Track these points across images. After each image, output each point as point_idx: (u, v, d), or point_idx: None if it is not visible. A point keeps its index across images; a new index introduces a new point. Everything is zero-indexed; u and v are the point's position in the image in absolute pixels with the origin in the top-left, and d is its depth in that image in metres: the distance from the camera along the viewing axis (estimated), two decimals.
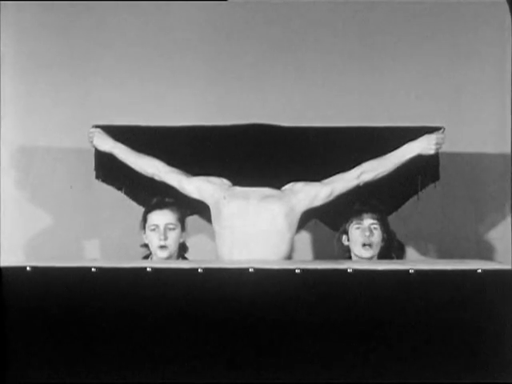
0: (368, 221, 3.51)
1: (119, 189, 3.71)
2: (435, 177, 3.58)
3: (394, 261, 3.48)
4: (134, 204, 3.72)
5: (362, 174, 3.46)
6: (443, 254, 4.21)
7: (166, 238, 3.42)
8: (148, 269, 2.72)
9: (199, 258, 3.47)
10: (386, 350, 2.70)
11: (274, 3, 4.28)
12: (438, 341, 2.70)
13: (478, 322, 2.71)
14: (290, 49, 4.29)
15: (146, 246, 3.51)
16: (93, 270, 2.72)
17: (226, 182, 3.52)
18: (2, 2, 4.19)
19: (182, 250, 3.52)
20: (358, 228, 3.52)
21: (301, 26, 4.29)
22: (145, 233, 3.49)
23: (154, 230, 3.44)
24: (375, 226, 3.52)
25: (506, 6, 4.07)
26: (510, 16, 4.06)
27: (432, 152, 3.47)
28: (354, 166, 3.46)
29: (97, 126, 3.62)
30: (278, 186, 3.49)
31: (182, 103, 4.20)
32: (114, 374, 2.70)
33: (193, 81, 4.25)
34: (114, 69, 4.26)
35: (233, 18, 4.30)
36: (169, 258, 3.43)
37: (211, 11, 4.27)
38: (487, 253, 4.18)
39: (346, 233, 3.58)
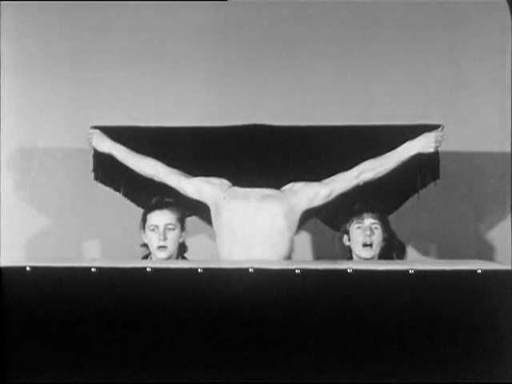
0: (369, 220, 3.51)
1: (118, 190, 3.70)
2: (435, 176, 3.57)
3: (394, 261, 3.48)
4: (133, 204, 3.72)
5: (361, 173, 3.46)
6: (443, 254, 4.21)
7: (165, 239, 3.42)
8: (148, 269, 2.72)
9: (199, 258, 3.48)
10: (386, 350, 2.70)
11: (274, 3, 4.28)
12: (438, 341, 2.70)
13: (477, 322, 2.71)
14: (290, 49, 4.29)
15: (145, 245, 3.51)
16: (93, 270, 2.72)
17: (225, 182, 3.52)
18: (1, 1, 4.19)
19: (181, 250, 3.52)
20: (358, 228, 3.52)
21: (301, 26, 4.29)
22: (144, 233, 3.49)
23: (153, 230, 3.44)
24: (376, 225, 3.52)
25: (506, 6, 4.07)
26: (510, 16, 4.06)
27: (431, 150, 3.47)
28: (353, 166, 3.45)
29: (96, 127, 3.61)
30: (277, 186, 3.49)
31: (182, 104, 4.20)
32: (114, 373, 2.70)
33: (193, 81, 4.26)
34: (114, 69, 4.26)
35: (233, 18, 4.29)
36: (168, 258, 3.43)
37: (211, 11, 4.27)
38: (487, 253, 4.18)
39: (347, 233, 3.58)
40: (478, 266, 2.76)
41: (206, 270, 2.72)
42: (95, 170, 3.65)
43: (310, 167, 3.57)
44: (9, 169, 4.24)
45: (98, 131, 3.60)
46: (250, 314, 2.70)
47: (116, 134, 3.59)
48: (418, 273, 2.71)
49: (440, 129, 3.49)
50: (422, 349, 2.70)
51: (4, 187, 4.21)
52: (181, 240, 3.49)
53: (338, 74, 4.26)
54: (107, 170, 3.64)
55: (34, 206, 4.24)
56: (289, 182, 3.50)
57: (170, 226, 3.44)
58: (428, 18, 4.29)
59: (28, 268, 2.73)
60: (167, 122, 3.71)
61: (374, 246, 3.50)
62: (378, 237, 3.52)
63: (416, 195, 3.60)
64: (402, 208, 3.70)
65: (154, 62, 4.27)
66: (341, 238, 3.60)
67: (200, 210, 3.59)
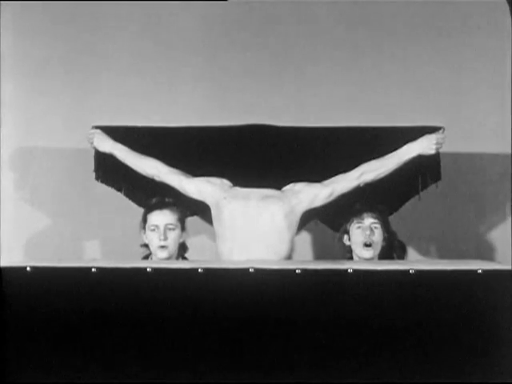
0: (369, 220, 3.51)
1: (119, 189, 3.70)
2: (436, 177, 3.58)
3: (394, 261, 3.48)
4: (134, 204, 3.72)
5: (362, 174, 3.46)
6: (443, 254, 4.21)
7: (165, 239, 3.42)
8: (148, 269, 2.72)
9: (199, 258, 3.48)
10: (386, 350, 2.70)
11: (274, 3, 4.28)
12: (438, 341, 2.70)
13: (478, 322, 2.71)
14: (290, 49, 4.29)
15: (145, 246, 3.51)
16: (93, 270, 2.72)
17: (226, 182, 3.52)
18: (1, 2, 4.19)
19: (181, 250, 3.52)
20: (358, 227, 3.52)
21: (301, 27, 4.29)
22: (145, 233, 3.49)
23: (153, 230, 3.44)
24: (376, 225, 3.51)
25: (506, 6, 4.07)
26: (510, 16, 4.07)
27: (432, 152, 3.47)
28: (354, 167, 3.46)
29: (96, 127, 3.61)
30: (278, 186, 3.49)
31: (182, 103, 4.20)
32: (114, 374, 2.70)
33: (193, 81, 4.26)
34: (114, 69, 4.26)
35: (233, 18, 4.30)
36: (168, 258, 3.43)
37: (211, 11, 4.27)
38: (487, 253, 4.18)
39: (347, 233, 3.58)
40: (479, 266, 2.76)
41: (206, 270, 2.72)
42: (96, 169, 3.65)
43: (311, 168, 3.57)
44: (9, 169, 4.24)
45: (99, 131, 3.60)
46: (250, 314, 2.70)
47: (117, 133, 3.59)
48: (419, 273, 2.71)
49: (441, 131, 3.49)
50: (423, 349, 2.70)
51: (4, 187, 4.20)
52: (181, 240, 3.49)
53: (340, 75, 4.27)
54: (108, 170, 3.64)
55: (34, 206, 4.24)
56: (290, 183, 3.50)
57: (171, 226, 3.44)
58: (428, 18, 4.29)
59: (28, 268, 2.73)
60: (168, 122, 3.72)
61: (374, 246, 3.50)
62: (378, 236, 3.52)
63: (417, 196, 3.62)
64: (403, 208, 3.70)
65: (154, 62, 4.27)
66: (341, 238, 3.60)
67: (200, 210, 3.60)
